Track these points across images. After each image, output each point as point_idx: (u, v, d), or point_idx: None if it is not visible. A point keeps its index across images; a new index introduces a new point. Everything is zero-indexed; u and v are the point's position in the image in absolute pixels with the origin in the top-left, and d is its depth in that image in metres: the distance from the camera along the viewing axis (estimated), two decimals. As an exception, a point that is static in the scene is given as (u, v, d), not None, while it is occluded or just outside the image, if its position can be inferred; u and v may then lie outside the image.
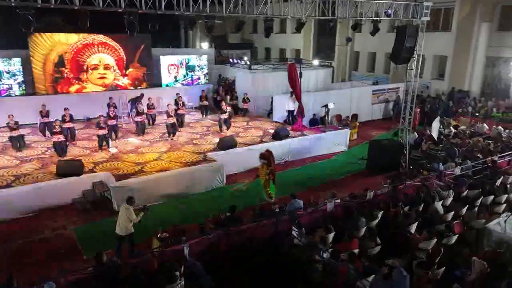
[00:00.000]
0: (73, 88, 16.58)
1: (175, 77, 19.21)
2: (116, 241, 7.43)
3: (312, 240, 6.92)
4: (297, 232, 6.95)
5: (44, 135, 13.25)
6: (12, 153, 11.74)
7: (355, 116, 18.59)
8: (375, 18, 11.75)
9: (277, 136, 13.36)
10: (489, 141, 13.74)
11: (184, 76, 19.49)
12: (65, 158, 11.02)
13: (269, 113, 17.76)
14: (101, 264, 5.95)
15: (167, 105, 14.19)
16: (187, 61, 19.46)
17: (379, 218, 7.83)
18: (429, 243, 6.89)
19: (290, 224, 7.45)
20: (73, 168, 9.82)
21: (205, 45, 33.99)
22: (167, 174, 10.23)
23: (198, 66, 19.77)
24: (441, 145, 13.88)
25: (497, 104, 19.90)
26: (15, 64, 15.36)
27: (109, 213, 9.39)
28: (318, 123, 16.99)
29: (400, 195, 9.07)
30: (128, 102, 15.60)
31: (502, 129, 15.09)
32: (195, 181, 10.59)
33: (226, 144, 12.30)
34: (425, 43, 25.43)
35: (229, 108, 14.94)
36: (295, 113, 15.49)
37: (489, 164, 10.86)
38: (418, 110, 19.23)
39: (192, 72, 19.73)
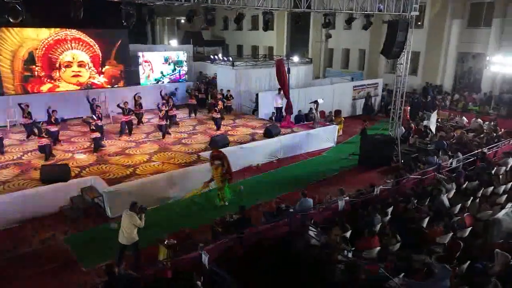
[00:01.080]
0: (45, 87, 15.47)
1: (162, 72, 18.58)
2: (118, 250, 6.85)
3: (329, 240, 6.70)
4: (315, 232, 6.69)
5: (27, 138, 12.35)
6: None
7: (338, 112, 18.66)
8: (367, 12, 11.66)
9: (269, 133, 13.08)
10: (472, 134, 14.15)
11: (173, 71, 18.79)
12: (48, 163, 10.17)
13: (254, 110, 17.44)
14: (113, 277, 5.40)
15: (158, 105, 13.56)
16: (177, 57, 19.03)
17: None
18: (446, 237, 6.86)
19: (301, 223, 7.22)
20: (59, 173, 9.04)
21: (173, 42, 33.17)
22: (162, 176, 9.66)
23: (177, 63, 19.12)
24: (427, 139, 14.14)
25: (469, 98, 20.62)
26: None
27: (102, 220, 8.76)
28: (303, 119, 16.86)
29: (403, 189, 9.07)
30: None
31: (481, 121, 15.60)
32: (191, 182, 10.06)
33: (218, 143, 11.85)
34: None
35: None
36: (283, 109, 15.24)
37: (479, 156, 11.11)
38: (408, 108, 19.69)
39: (180, 67, 19.06)
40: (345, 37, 28.60)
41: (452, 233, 6.84)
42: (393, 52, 11.79)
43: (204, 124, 15.23)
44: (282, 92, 14.99)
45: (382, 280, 5.54)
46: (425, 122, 15.24)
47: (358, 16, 12.65)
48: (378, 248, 6.46)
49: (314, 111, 15.19)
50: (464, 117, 16.50)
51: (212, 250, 6.21)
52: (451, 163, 10.43)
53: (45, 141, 10.71)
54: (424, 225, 7.48)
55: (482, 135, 13.80)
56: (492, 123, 14.90)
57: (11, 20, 6.88)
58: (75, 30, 15.60)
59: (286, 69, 14.40)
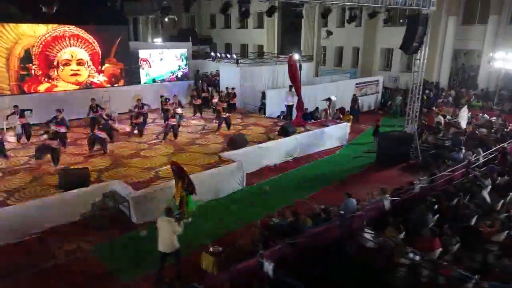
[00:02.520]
0: (42, 87, 14.56)
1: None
2: (159, 259, 6.31)
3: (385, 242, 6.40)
4: (372, 234, 6.37)
5: (19, 141, 11.49)
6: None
7: (342, 110, 18.53)
8: (389, 6, 11.44)
9: (285, 132, 12.70)
10: (482, 129, 14.20)
11: (179, 68, 18.38)
12: (62, 167, 9.45)
13: (260, 109, 17.04)
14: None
15: (173, 104, 12.96)
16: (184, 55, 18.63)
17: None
18: (501, 235, 6.67)
19: (351, 225, 6.90)
20: (79, 178, 8.37)
21: (158, 40, 32.39)
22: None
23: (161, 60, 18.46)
24: (439, 135, 14.08)
25: (467, 94, 20.88)
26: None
27: (128, 227, 8.17)
28: (309, 117, 16.58)
29: (438, 187, 8.88)
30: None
31: (488, 116, 15.73)
32: (218, 184, 9.61)
33: (237, 143, 11.40)
34: (393, 37, 26.17)
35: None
36: (294, 107, 14.90)
37: (500, 151, 11.08)
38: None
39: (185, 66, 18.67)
40: (338, 35, 28.52)
41: (507, 231, 6.66)
42: (413, 47, 11.61)
43: (212, 124, 14.70)
44: (293, 89, 14.65)
45: (458, 282, 5.29)
46: (436, 119, 15.24)
47: (366, 9, 12.36)
48: (440, 249, 6.19)
49: (327, 108, 14.89)
50: (470, 113, 16.58)
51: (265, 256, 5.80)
52: (477, 159, 10.35)
53: (54, 143, 9.98)
54: (472, 223, 7.29)
55: (493, 130, 13.88)
56: (501, 119, 15.03)
57: (45, 11, 6.22)
58: (73, 26, 14.76)
59: (298, 66, 14.05)
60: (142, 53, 17.29)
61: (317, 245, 6.58)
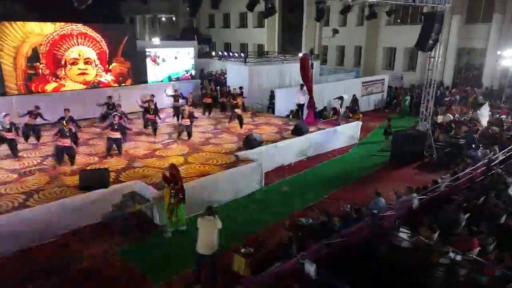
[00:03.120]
0: (49, 87, 14.32)
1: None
2: (196, 261, 6.15)
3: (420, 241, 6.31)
4: (408, 233, 6.27)
5: (27, 141, 11.25)
6: (3, 165, 9.66)
7: (350, 109, 18.50)
8: (406, 3, 11.37)
9: (299, 131, 12.59)
10: (494, 127, 14.20)
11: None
12: (83, 167, 9.27)
13: (269, 108, 16.92)
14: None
15: (186, 105, 12.82)
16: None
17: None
18: (535, 233, 6.61)
19: (382, 224, 6.80)
20: (99, 179, 8.18)
21: (155, 40, 32.14)
22: (209, 179, 8.97)
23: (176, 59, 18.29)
24: (451, 133, 14.06)
25: (470, 93, 20.95)
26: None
27: (151, 228, 8.00)
28: (317, 116, 16.47)
29: (461, 185, 8.82)
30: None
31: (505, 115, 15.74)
32: (237, 184, 9.46)
33: (253, 142, 11.26)
34: (395, 36, 26.20)
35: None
36: (305, 106, 14.79)
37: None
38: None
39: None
40: (340, 34, 28.48)
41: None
42: (429, 45, 11.55)
43: (222, 123, 14.55)
44: (304, 88, 14.54)
45: (502, 282, 5.21)
46: (446, 118, 15.23)
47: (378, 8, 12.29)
48: (478, 249, 6.11)
49: (339, 106, 14.80)
50: (478, 111, 16.60)
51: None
52: (497, 157, 10.32)
53: (67, 142, 9.77)
54: (502, 221, 7.24)
55: (504, 128, 13.88)
56: (510, 117, 15.05)
57: (77, 6, 6.02)
58: (81, 24, 14.52)
59: (310, 64, 13.95)
60: (159, 52, 17.20)
61: (350, 245, 6.49)
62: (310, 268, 5.19)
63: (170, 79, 17.67)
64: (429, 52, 12.28)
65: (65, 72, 14.52)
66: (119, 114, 10.82)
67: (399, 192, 8.32)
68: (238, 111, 13.29)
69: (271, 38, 35.60)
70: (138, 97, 14.44)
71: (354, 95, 18.34)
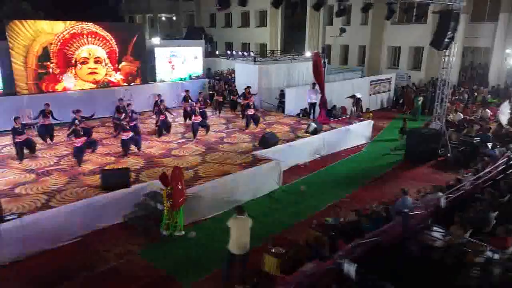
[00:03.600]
0: (59, 86, 14.16)
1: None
2: (227, 261, 6.07)
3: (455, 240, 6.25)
4: (442, 233, 6.21)
5: (45, 141, 11.12)
6: (19, 166, 9.54)
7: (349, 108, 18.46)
8: (423, 1, 11.32)
9: (313, 130, 12.52)
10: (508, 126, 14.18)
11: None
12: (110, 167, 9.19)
13: (279, 107, 16.84)
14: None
15: (195, 103, 12.73)
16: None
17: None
18: None
19: (412, 224, 6.74)
20: (120, 179, 8.08)
21: (156, 39, 31.98)
22: (230, 178, 8.89)
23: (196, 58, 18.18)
24: (463, 132, 14.04)
25: (478, 91, 20.97)
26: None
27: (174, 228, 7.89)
28: (329, 115, 16.41)
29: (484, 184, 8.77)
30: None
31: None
32: (257, 183, 9.39)
33: (269, 141, 11.19)
34: (400, 35, 26.12)
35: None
36: (317, 105, 14.73)
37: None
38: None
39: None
40: (344, 33, 28.42)
41: None
42: (445, 43, 11.51)
43: (233, 122, 14.47)
44: (316, 87, 14.48)
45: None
46: (457, 116, 15.22)
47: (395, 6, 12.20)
48: (512, 247, 6.06)
49: (352, 105, 14.75)
50: (487, 110, 16.61)
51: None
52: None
53: (83, 140, 9.68)
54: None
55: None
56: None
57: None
58: (91, 23, 14.39)
59: (322, 63, 13.89)
60: (178, 52, 17.15)
61: (382, 245, 6.43)
62: (350, 268, 5.10)
63: (191, 77, 17.57)
64: (444, 51, 12.22)
65: (75, 71, 14.36)
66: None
67: (424, 191, 8.26)
68: (251, 111, 13.20)
69: (274, 37, 35.57)
70: (147, 96, 14.47)
71: (354, 95, 17.31)
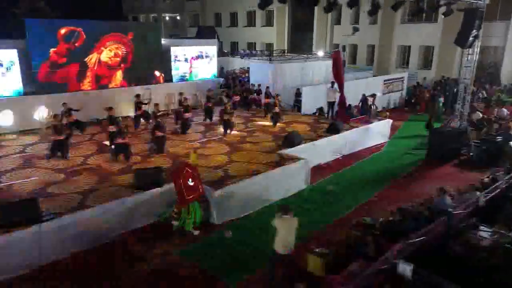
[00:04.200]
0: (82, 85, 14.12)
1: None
2: (272, 260, 6.01)
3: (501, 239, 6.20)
4: (488, 232, 6.16)
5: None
6: (47, 165, 9.47)
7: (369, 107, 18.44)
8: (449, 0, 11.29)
9: (335, 129, 12.47)
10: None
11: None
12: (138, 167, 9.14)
13: (295, 106, 16.78)
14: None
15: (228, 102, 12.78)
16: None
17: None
18: None
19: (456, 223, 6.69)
20: (154, 178, 8.01)
21: (169, 40, 31.92)
22: (261, 177, 8.82)
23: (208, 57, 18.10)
24: (483, 131, 14.01)
25: (490, 91, 20.95)
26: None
27: (208, 228, 7.84)
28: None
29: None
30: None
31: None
32: (286, 183, 9.33)
33: (293, 140, 11.14)
34: (410, 34, 26.00)
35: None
36: (336, 104, 14.68)
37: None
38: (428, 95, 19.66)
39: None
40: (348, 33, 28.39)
41: None
42: (469, 42, 11.48)
43: (251, 121, 14.41)
44: (335, 86, 14.43)
45: None
46: (475, 116, 15.18)
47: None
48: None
49: (371, 104, 14.70)
50: (504, 109, 16.59)
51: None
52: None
53: (122, 139, 9.68)
54: None
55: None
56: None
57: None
58: (108, 22, 14.32)
59: (342, 61, 13.84)
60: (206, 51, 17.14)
61: (425, 245, 6.38)
62: (406, 268, 5.04)
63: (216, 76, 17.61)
64: (467, 49, 12.19)
65: (92, 70, 14.28)
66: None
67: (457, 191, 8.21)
68: (277, 109, 13.17)
69: (281, 36, 35.51)
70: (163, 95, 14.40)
71: (364, 94, 17.36)
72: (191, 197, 7.39)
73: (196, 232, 7.56)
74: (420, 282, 4.98)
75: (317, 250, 6.34)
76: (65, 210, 7.04)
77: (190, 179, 7.36)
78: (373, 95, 14.65)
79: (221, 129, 12.33)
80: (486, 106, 17.28)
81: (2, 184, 8.25)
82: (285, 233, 5.82)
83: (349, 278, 5.41)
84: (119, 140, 9.56)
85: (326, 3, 10.64)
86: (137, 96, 12.57)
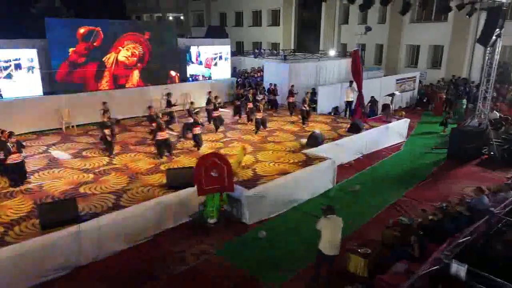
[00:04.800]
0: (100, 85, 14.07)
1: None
2: (317, 261, 5.97)
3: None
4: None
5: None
6: (73, 165, 9.43)
7: (386, 106, 18.37)
8: None
9: (356, 129, 12.43)
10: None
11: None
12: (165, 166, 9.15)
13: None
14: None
15: (260, 98, 12.79)
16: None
17: None
18: None
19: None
20: (186, 178, 7.96)
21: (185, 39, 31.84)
22: (291, 177, 8.78)
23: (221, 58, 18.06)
24: (501, 130, 13.95)
25: (502, 90, 20.89)
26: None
27: (242, 229, 7.80)
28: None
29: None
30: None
31: None
32: (314, 182, 9.30)
33: (317, 139, 11.09)
34: (420, 33, 25.90)
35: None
36: (354, 104, 14.63)
37: None
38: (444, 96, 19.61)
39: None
40: (361, 32, 28.26)
41: None
42: (492, 40, 11.43)
43: (271, 122, 14.37)
44: (353, 85, 14.38)
45: None
46: (492, 115, 15.13)
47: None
48: None
49: (390, 104, 14.65)
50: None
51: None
52: None
53: (164, 135, 9.77)
54: None
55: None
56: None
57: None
58: (126, 21, 14.26)
59: (360, 60, 13.77)
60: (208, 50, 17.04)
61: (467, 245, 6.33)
62: (460, 269, 5.00)
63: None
64: (488, 49, 12.15)
65: (110, 70, 14.22)
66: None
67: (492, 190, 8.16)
68: (306, 107, 13.17)
69: (287, 36, 35.43)
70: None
71: (373, 96, 16.88)
72: (209, 187, 7.40)
73: (213, 220, 7.63)
74: (475, 283, 4.94)
75: (359, 250, 6.28)
76: (101, 210, 6.99)
77: (214, 170, 7.37)
78: (392, 95, 14.59)
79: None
80: (509, 105, 17.19)
81: (32, 185, 8.19)
82: (331, 234, 5.78)
83: (399, 279, 5.37)
84: (159, 137, 9.57)
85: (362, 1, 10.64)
86: (168, 94, 12.61)
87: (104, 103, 11.35)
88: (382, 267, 6.37)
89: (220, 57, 17.56)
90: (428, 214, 7.36)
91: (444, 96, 19.44)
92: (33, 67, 12.04)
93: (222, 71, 17.98)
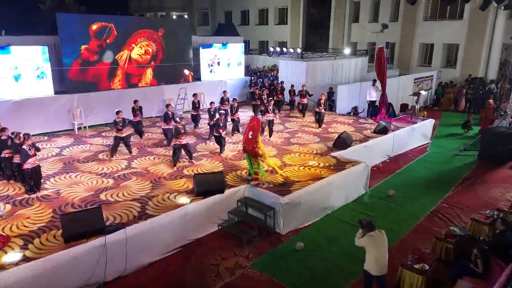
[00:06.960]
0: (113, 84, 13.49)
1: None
2: (367, 283, 5.37)
3: None
4: None
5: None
6: (91, 169, 8.84)
7: (405, 106, 17.84)
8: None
9: (384, 130, 11.84)
10: None
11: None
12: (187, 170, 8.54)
13: (328, 105, 16.12)
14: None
15: (269, 100, 12.13)
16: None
17: None
18: None
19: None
20: (215, 184, 7.37)
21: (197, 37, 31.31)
22: (326, 182, 8.18)
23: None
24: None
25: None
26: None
27: (276, 239, 7.20)
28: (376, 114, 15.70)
29: None
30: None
31: None
32: (349, 187, 8.73)
33: (346, 142, 10.51)
34: (433, 31, 25.28)
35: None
36: (377, 103, 14.03)
37: None
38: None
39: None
40: (371, 31, 27.72)
41: None
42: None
43: (288, 121, 13.79)
44: (376, 84, 13.79)
45: None
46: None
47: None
48: None
49: (415, 103, 14.05)
50: None
51: None
52: None
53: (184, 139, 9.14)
54: None
55: None
56: None
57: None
58: (138, 17, 13.67)
59: (385, 58, 13.17)
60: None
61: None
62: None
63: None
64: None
65: (123, 68, 13.64)
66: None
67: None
68: (321, 109, 12.53)
69: (295, 35, 34.85)
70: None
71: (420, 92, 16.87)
72: (244, 146, 8.08)
73: (249, 177, 8.04)
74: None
75: (416, 266, 5.67)
76: (127, 220, 6.41)
77: (251, 132, 7.83)
78: (417, 94, 13.97)
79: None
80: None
81: (50, 191, 7.60)
82: (378, 253, 5.14)
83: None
84: (177, 142, 9.00)
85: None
86: (194, 95, 11.99)
87: (135, 101, 10.84)
88: (440, 284, 5.81)
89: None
90: (481, 224, 6.78)
91: (464, 96, 18.87)
92: (44, 73, 11.46)
93: (236, 71, 17.38)
